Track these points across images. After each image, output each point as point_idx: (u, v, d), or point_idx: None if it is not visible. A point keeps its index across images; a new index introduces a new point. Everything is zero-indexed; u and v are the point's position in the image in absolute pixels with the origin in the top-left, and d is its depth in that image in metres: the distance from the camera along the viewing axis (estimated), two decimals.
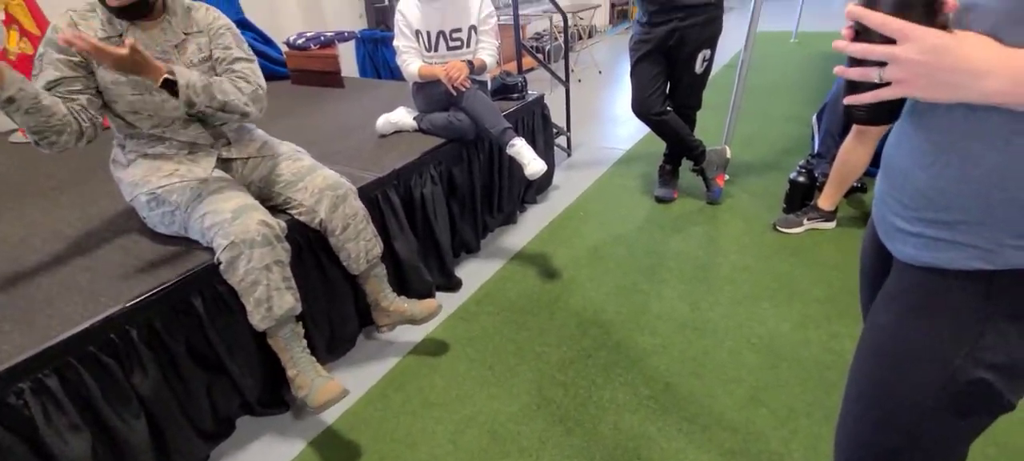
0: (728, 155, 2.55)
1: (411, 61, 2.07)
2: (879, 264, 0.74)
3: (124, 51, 1.09)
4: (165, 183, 1.37)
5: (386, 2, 4.01)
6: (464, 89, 1.96)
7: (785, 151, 3.06)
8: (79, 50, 1.08)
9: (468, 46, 2.12)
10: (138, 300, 1.23)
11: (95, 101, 1.30)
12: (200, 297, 1.35)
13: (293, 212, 1.53)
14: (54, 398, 1.12)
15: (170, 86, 1.22)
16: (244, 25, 3.21)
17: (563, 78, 3.22)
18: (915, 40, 0.49)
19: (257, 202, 1.39)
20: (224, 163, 1.49)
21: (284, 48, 3.31)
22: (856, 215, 2.37)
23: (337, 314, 1.72)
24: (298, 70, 3.20)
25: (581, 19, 5.95)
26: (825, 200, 2.21)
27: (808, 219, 2.25)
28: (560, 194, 2.80)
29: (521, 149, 1.91)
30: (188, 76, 1.24)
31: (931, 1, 0.49)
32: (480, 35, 2.12)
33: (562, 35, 5.55)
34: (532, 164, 1.87)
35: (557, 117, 2.98)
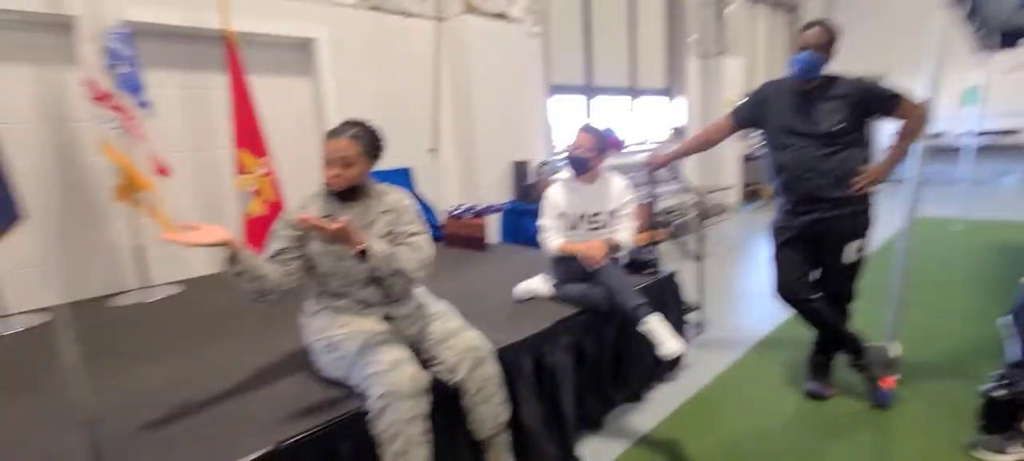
0: (896, 353, 2.25)
1: (552, 238, 2.26)
2: None
3: (338, 225, 1.38)
4: (340, 333, 1.60)
5: (530, 180, 4.50)
6: (600, 265, 2.07)
7: (969, 354, 2.62)
8: (306, 227, 1.41)
9: (607, 227, 2.28)
10: (300, 436, 1.38)
11: (304, 266, 1.64)
12: (347, 442, 1.46)
13: (436, 368, 1.65)
14: None
15: (362, 253, 1.48)
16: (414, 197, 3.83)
17: (695, 254, 3.22)
18: None
19: (412, 355, 1.54)
20: (388, 318, 1.70)
21: (444, 215, 3.85)
22: None
23: None
24: (451, 234, 3.65)
25: (713, 198, 6.04)
26: None
27: (1020, 446, 1.83)
28: (692, 374, 2.64)
29: (655, 327, 1.90)
30: (377, 247, 1.51)
31: None
32: (619, 217, 2.27)
33: (691, 212, 5.66)
34: (667, 344, 1.84)
35: (689, 293, 2.93)
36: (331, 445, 1.43)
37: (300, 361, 1.84)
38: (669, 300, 2.58)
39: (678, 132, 7.08)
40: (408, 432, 1.40)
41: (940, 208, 6.00)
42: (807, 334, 2.42)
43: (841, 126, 2.03)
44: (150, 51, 2.96)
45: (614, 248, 2.22)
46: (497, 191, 4.53)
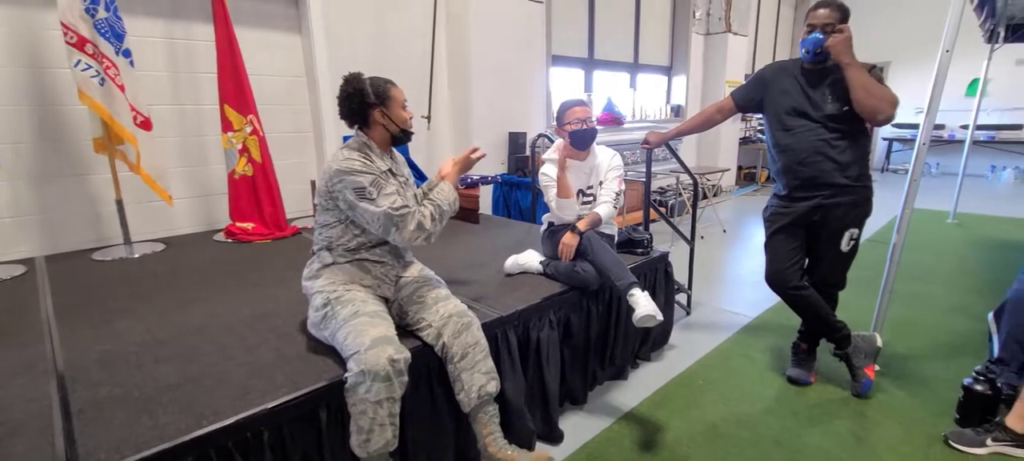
0: (879, 343, 2.26)
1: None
2: None
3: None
4: (339, 293, 1.58)
5: (526, 152, 4.43)
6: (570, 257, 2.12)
7: (951, 347, 2.64)
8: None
9: (598, 199, 2.24)
10: (276, 403, 1.35)
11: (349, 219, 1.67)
12: (326, 410, 1.43)
13: (421, 332, 1.64)
14: None
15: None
16: (409, 164, 3.75)
17: (688, 235, 3.20)
18: None
19: (394, 334, 1.50)
20: (391, 278, 1.74)
21: None
22: None
23: (437, 447, 1.71)
24: None
25: (708, 180, 6.01)
26: (1017, 420, 1.82)
27: (993, 439, 1.85)
28: (677, 355, 2.65)
29: (638, 296, 1.88)
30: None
31: None
32: (603, 188, 2.24)
33: (685, 192, 5.63)
34: (644, 310, 1.83)
35: (679, 274, 2.92)
36: (312, 410, 1.41)
37: (284, 324, 1.81)
38: (660, 281, 2.56)
39: (676, 111, 7.00)
40: (375, 413, 1.38)
41: (932, 201, 6.02)
42: (793, 321, 2.42)
43: (846, 109, 1.98)
44: None
45: (592, 224, 2.19)
46: (491, 161, 4.46)
